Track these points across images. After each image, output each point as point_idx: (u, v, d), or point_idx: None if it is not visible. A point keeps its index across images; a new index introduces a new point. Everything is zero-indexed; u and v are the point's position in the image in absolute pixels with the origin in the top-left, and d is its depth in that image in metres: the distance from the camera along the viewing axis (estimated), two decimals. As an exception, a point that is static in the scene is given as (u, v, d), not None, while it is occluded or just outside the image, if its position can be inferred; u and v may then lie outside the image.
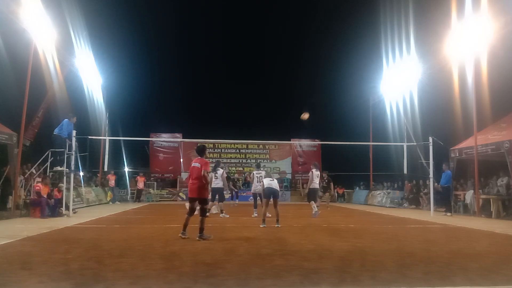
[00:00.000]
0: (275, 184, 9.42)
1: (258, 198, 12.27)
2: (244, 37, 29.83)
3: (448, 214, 13.39)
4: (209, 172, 7.54)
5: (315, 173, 12.39)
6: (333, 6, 25.89)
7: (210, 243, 6.56)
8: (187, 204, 11.13)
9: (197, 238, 6.82)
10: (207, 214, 11.61)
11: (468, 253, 5.81)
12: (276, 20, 30.10)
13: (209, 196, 9.48)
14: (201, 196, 7.10)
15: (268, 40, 30.15)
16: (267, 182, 9.42)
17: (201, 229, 6.96)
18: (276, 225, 9.07)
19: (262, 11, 30.49)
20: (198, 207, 7.23)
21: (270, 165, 25.96)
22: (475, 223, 10.78)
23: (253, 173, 12.60)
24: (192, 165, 7.22)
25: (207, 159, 7.42)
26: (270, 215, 11.64)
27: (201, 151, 7.42)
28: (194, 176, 7.09)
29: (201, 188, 7.06)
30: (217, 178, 11.82)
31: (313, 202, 12.13)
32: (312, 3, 28.70)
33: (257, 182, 12.18)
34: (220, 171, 12.00)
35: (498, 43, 12.96)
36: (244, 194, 19.40)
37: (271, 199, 9.37)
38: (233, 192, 18.71)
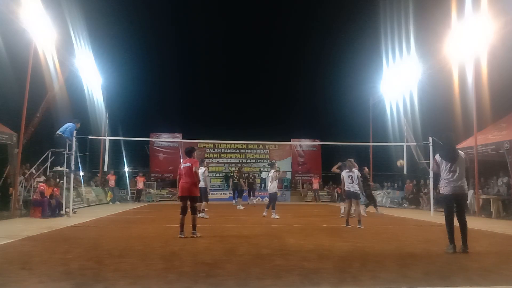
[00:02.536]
0: (354, 187, 9.50)
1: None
2: (245, 37, 29.86)
3: None
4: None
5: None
6: (333, 6, 25.92)
7: (210, 243, 6.56)
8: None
9: (192, 235, 7.14)
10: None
11: (468, 253, 5.80)
12: (277, 21, 30.12)
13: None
14: (192, 194, 7.37)
15: (268, 40, 30.18)
16: (347, 185, 9.56)
17: (194, 226, 7.29)
18: (358, 226, 9.13)
19: (263, 11, 30.52)
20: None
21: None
22: (475, 223, 10.76)
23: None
24: (182, 166, 7.53)
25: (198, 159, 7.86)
26: (279, 217, 11.48)
27: (189, 152, 7.79)
28: (186, 176, 7.37)
29: (192, 186, 7.35)
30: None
31: (342, 203, 12.03)
32: (313, 4, 28.74)
33: (269, 182, 12.05)
34: (201, 169, 11.88)
35: (498, 43, 12.94)
36: (245, 194, 19.35)
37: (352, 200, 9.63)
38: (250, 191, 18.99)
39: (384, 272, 4.51)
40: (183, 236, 7.02)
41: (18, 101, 12.16)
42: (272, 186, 11.82)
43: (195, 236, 7.16)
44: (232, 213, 13.93)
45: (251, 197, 19.30)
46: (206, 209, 11.62)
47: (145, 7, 26.11)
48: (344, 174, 9.66)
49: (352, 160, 9.88)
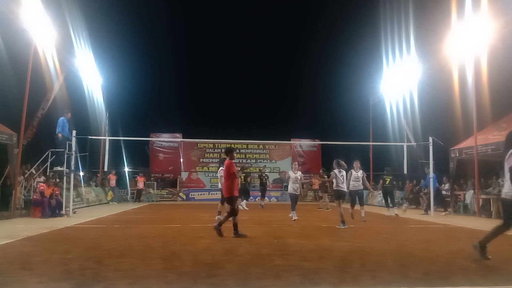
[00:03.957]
0: (344, 186, 9.69)
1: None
2: (245, 37, 29.84)
3: (422, 213, 14.19)
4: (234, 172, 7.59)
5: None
6: (333, 6, 25.90)
7: (210, 243, 6.56)
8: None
9: (233, 236, 7.20)
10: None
11: (468, 253, 5.80)
12: (277, 21, 30.11)
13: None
14: (225, 195, 7.61)
15: (268, 40, 30.17)
16: (340, 185, 9.58)
17: (235, 226, 7.33)
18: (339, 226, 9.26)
19: (263, 11, 30.51)
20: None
21: (270, 165, 25.93)
22: (475, 223, 10.78)
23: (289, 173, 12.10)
24: None
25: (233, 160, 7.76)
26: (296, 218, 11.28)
27: (226, 153, 7.95)
28: (223, 177, 7.70)
29: (225, 188, 7.55)
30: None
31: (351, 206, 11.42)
32: (313, 4, 28.72)
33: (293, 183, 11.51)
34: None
35: (498, 43, 12.94)
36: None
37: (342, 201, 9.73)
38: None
39: (384, 272, 4.51)
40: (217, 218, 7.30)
41: (18, 101, 12.16)
42: (289, 186, 11.59)
43: (236, 236, 7.16)
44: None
45: (262, 198, 18.34)
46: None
47: (145, 7, 26.12)
48: (337, 173, 9.64)
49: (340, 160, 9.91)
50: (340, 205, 9.51)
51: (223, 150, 26.74)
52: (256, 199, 18.84)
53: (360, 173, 11.06)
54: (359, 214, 11.28)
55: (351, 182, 10.99)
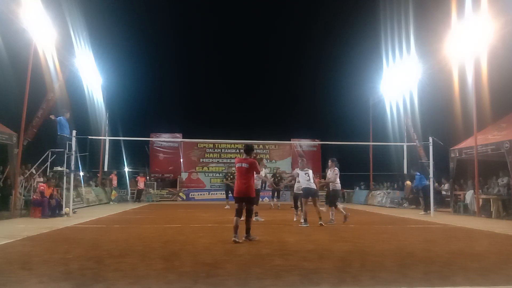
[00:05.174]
0: (311, 184, 9.52)
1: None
2: (244, 37, 29.82)
3: (422, 212, 14.31)
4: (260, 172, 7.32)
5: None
6: (333, 6, 25.90)
7: (210, 243, 6.56)
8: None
9: (244, 239, 6.82)
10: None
11: (468, 253, 5.80)
12: (277, 21, 30.10)
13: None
14: (248, 195, 6.97)
15: (268, 40, 30.14)
16: (305, 183, 9.47)
17: (247, 230, 6.96)
18: (319, 223, 9.24)
19: (263, 12, 30.49)
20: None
21: (270, 165, 25.93)
22: (475, 223, 10.77)
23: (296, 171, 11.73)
24: (237, 165, 7.12)
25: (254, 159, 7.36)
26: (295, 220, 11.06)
27: (249, 150, 7.36)
28: (243, 176, 6.98)
29: (249, 188, 6.96)
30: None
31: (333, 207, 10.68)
32: (313, 4, 28.72)
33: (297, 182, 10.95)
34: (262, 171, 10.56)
35: (498, 43, 12.95)
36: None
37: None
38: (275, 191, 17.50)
39: (384, 272, 4.51)
40: (237, 240, 6.60)
41: (18, 101, 12.16)
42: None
43: (249, 239, 6.80)
44: (232, 213, 13.90)
45: (274, 199, 17.78)
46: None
47: (145, 7, 26.12)
48: (300, 172, 9.59)
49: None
50: (305, 204, 9.48)
51: (223, 150, 27.10)
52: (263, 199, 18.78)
53: (331, 171, 10.35)
54: (355, 213, 11.26)
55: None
